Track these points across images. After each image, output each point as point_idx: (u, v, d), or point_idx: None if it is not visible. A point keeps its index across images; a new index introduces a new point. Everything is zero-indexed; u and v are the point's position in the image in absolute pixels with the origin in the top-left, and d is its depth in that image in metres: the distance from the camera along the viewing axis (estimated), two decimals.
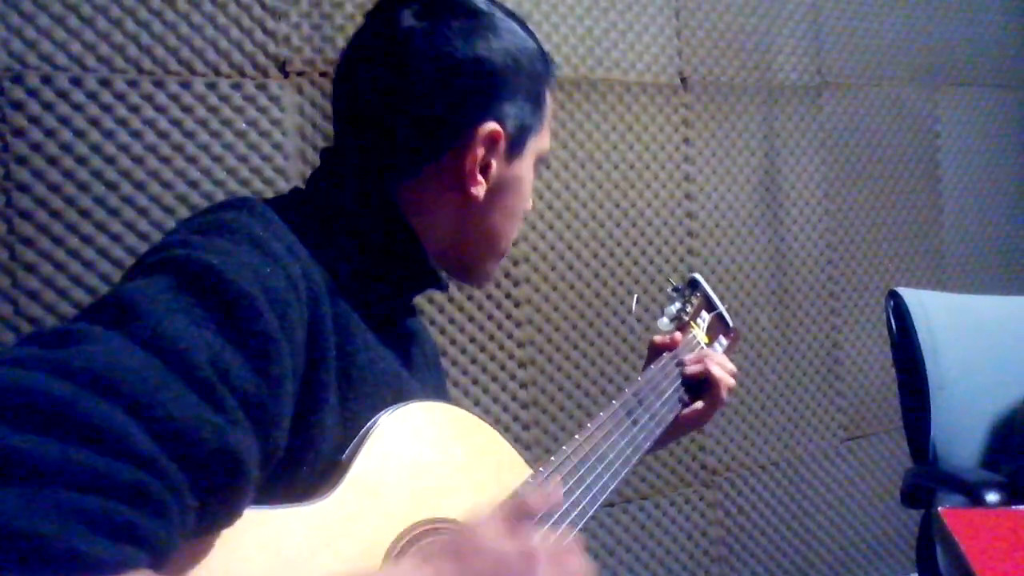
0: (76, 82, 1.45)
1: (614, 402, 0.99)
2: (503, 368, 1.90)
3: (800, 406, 2.35)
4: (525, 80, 0.87)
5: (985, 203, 2.72)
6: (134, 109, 1.50)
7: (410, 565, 0.66)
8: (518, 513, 0.72)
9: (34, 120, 1.41)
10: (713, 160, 2.22)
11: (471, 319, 1.86)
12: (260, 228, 0.72)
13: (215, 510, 0.59)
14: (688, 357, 1.14)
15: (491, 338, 1.89)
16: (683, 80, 2.17)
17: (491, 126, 0.83)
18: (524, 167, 0.89)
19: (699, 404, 1.13)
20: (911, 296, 1.65)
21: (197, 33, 1.56)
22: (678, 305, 1.23)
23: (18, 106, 1.40)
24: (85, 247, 1.45)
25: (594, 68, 2.03)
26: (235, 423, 0.60)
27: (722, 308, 1.28)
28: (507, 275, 1.91)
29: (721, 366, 1.13)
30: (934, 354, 1.62)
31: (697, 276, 1.28)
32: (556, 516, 0.83)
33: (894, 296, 1.66)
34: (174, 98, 1.53)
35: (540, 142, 0.90)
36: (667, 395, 1.08)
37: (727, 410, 2.21)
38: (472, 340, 1.86)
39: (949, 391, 1.61)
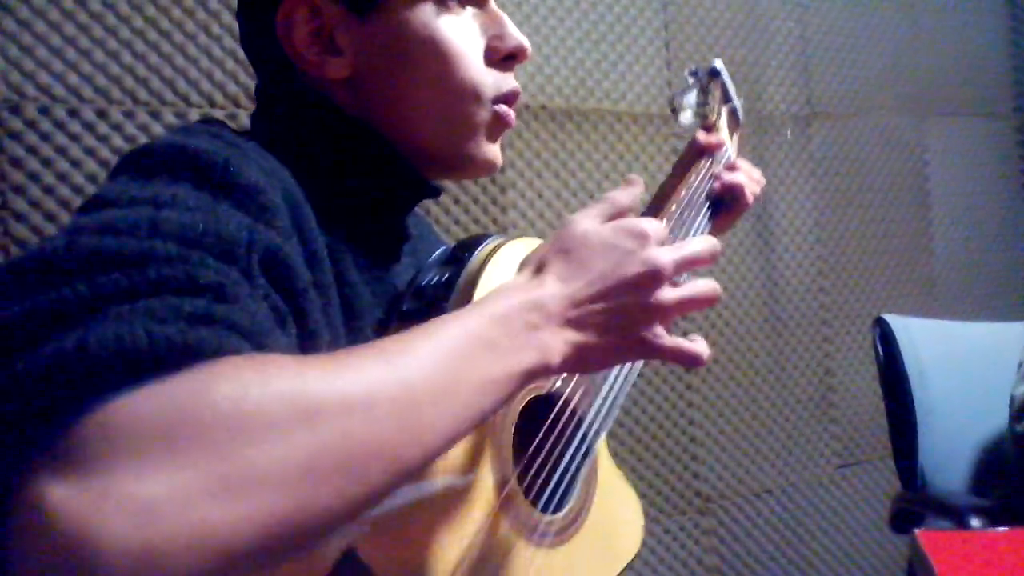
0: (73, 113, 1.47)
1: (664, 220, 0.91)
2: None
3: (794, 433, 2.36)
4: None
5: (974, 230, 2.75)
6: (130, 139, 1.52)
7: (525, 279, 0.63)
8: (611, 208, 0.68)
9: (32, 150, 1.44)
10: None
11: None
12: (217, 128, 0.67)
13: (288, 320, 0.54)
14: (717, 170, 1.04)
15: None
16: (673, 110, 2.19)
17: None
18: (395, 13, 0.73)
19: (722, 215, 1.05)
20: (897, 323, 1.66)
21: (193, 65, 1.58)
22: (697, 94, 1.11)
23: (16, 136, 1.43)
24: None
25: (585, 99, 2.06)
26: (255, 226, 0.54)
27: (737, 102, 1.17)
28: None
29: (752, 179, 1.06)
30: (921, 380, 1.63)
31: (718, 63, 1.15)
32: None
33: (880, 323, 1.68)
34: (170, 129, 1.56)
35: None
36: (701, 214, 0.99)
37: (721, 438, 2.22)
38: None
39: (937, 417, 1.62)
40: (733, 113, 1.17)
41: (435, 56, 0.74)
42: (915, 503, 1.54)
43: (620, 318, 0.63)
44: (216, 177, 0.56)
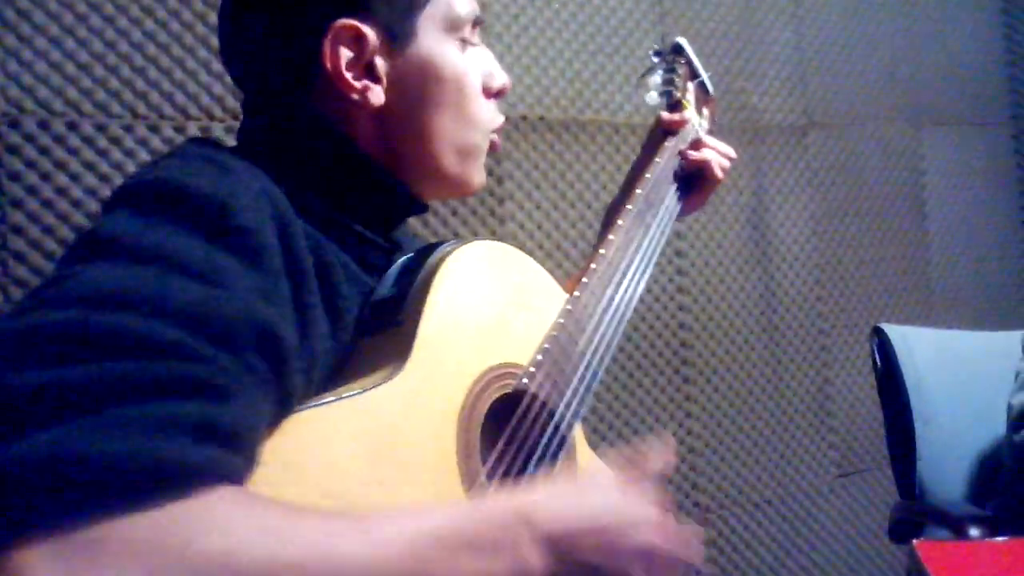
0: (72, 127, 1.48)
1: (629, 207, 0.93)
2: None
3: (792, 443, 2.36)
4: None
5: (971, 238, 2.75)
6: (129, 153, 1.52)
7: (535, 494, 0.65)
8: (639, 475, 0.70)
9: (31, 164, 1.44)
10: None
11: None
12: (211, 151, 0.69)
13: (272, 387, 0.58)
14: (684, 147, 1.06)
15: None
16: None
17: (343, 23, 0.75)
18: (426, 47, 0.79)
19: (694, 193, 1.08)
20: (895, 332, 1.67)
21: (191, 79, 1.59)
22: (663, 74, 1.13)
23: (15, 150, 1.43)
24: None
25: (583, 110, 2.06)
26: (250, 300, 0.58)
27: (704, 76, 1.18)
28: None
29: (719, 153, 1.07)
30: (919, 389, 1.63)
31: (681, 40, 1.16)
32: (593, 325, 0.84)
33: (878, 332, 1.68)
34: (169, 142, 1.56)
35: (439, 10, 0.80)
36: (671, 191, 1.02)
37: (719, 448, 2.22)
38: None
39: (934, 426, 1.62)
40: (702, 87, 1.18)
41: (457, 89, 0.81)
42: (914, 513, 1.54)
43: (599, 561, 0.65)
44: (212, 220, 0.59)
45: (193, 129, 1.58)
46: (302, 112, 0.78)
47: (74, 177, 1.47)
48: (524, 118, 1.97)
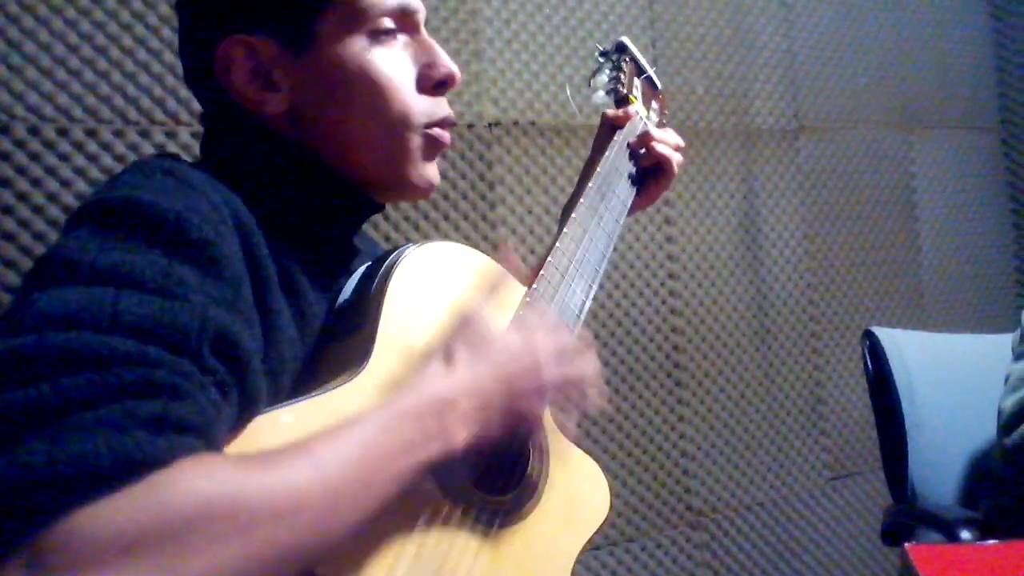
0: (63, 132, 1.47)
1: (582, 201, 0.95)
2: None
3: (784, 446, 2.36)
4: None
5: (962, 242, 2.76)
6: (120, 159, 1.52)
7: (436, 371, 0.68)
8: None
9: (21, 171, 1.44)
10: (693, 203, 2.25)
11: None
12: (170, 164, 0.70)
13: (233, 390, 0.60)
14: (633, 140, 1.08)
15: None
16: (661, 126, 2.21)
17: (232, 39, 0.75)
18: (327, 49, 0.76)
19: (652, 184, 1.10)
20: (885, 335, 1.67)
21: (182, 83, 1.58)
22: (609, 73, 1.15)
23: (5, 156, 1.42)
24: None
25: (573, 115, 2.07)
26: (207, 307, 0.59)
27: (650, 71, 1.20)
28: None
29: (667, 144, 1.09)
30: (910, 393, 1.63)
31: (624, 39, 1.18)
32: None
33: (869, 336, 1.68)
34: (160, 147, 1.56)
35: (341, 7, 0.76)
36: (623, 182, 1.05)
37: (712, 451, 2.22)
38: None
39: (926, 429, 1.62)
40: (649, 82, 1.20)
41: (367, 87, 0.77)
42: (906, 516, 1.54)
43: (513, 408, 0.71)
44: (170, 233, 0.61)
45: (184, 134, 1.58)
46: (234, 121, 0.78)
47: (65, 183, 1.47)
48: (515, 123, 1.97)
